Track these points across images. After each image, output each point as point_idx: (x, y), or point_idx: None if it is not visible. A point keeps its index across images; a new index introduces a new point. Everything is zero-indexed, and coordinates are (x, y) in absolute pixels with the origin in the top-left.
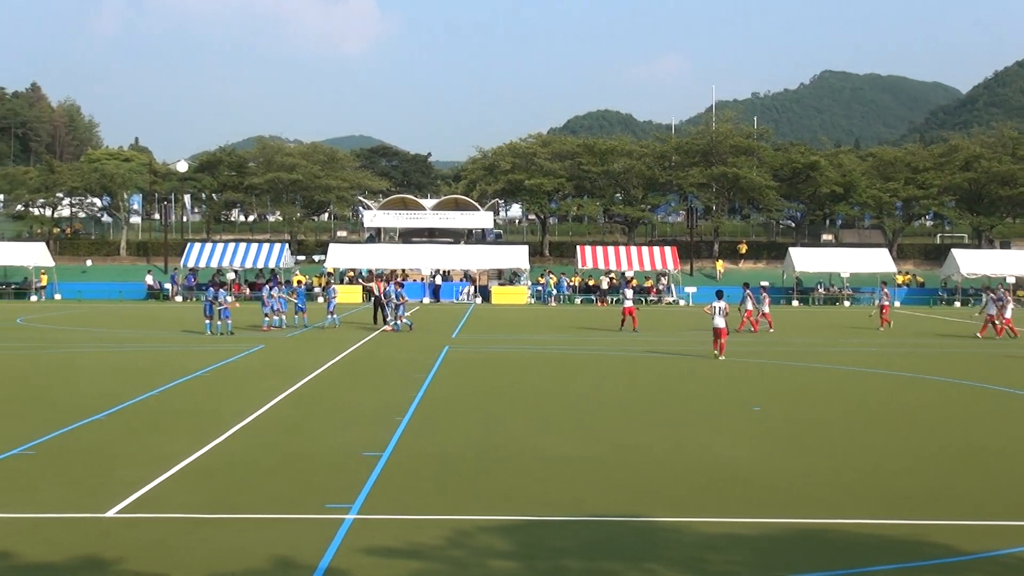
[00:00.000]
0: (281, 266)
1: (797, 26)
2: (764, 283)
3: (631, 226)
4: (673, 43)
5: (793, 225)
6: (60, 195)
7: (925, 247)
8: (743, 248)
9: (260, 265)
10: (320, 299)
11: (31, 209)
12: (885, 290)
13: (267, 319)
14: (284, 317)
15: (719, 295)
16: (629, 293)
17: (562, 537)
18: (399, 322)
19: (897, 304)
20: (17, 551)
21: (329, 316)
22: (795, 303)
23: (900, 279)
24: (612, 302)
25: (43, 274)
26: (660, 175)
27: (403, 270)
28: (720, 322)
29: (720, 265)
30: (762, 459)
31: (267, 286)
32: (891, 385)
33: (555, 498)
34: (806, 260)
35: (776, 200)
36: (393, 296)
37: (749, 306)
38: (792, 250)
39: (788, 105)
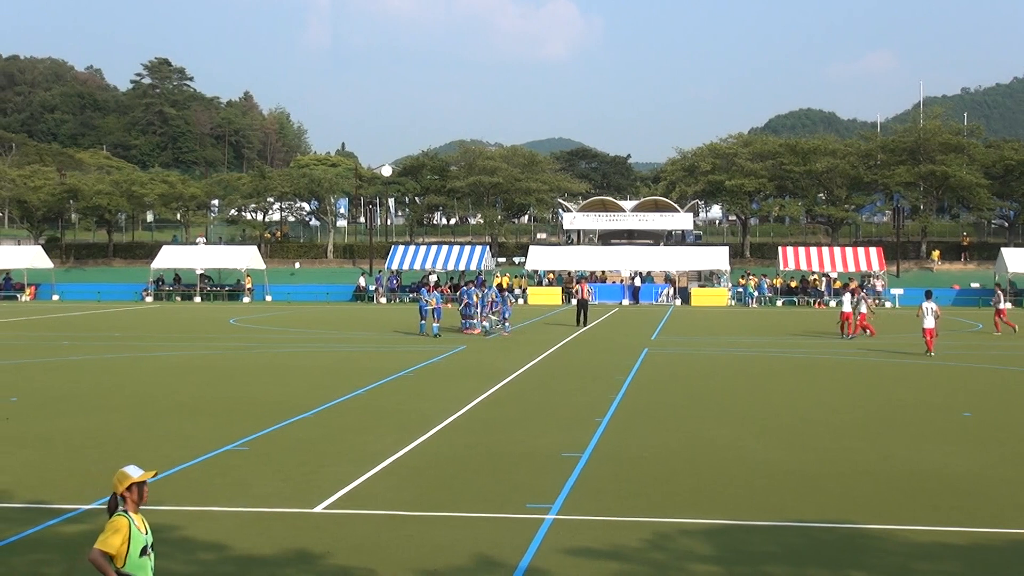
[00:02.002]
0: (483, 268)
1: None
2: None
3: (834, 227)
4: (879, 39)
5: (1006, 224)
6: (271, 200)
7: None
8: (966, 240)
9: (462, 267)
10: (521, 301)
11: (244, 213)
12: (1000, 292)
13: (464, 320)
14: (484, 319)
15: (928, 295)
16: (847, 297)
17: (765, 542)
18: (485, 324)
19: None
20: (231, 543)
21: (486, 322)
22: (1008, 305)
23: None
24: (813, 304)
25: (247, 277)
26: (865, 174)
27: (603, 271)
28: (929, 322)
29: (936, 255)
30: (973, 467)
31: (464, 287)
32: None
33: (758, 503)
34: (1020, 261)
35: (988, 199)
36: (483, 297)
37: (863, 309)
38: (1005, 250)
39: (1000, 100)
